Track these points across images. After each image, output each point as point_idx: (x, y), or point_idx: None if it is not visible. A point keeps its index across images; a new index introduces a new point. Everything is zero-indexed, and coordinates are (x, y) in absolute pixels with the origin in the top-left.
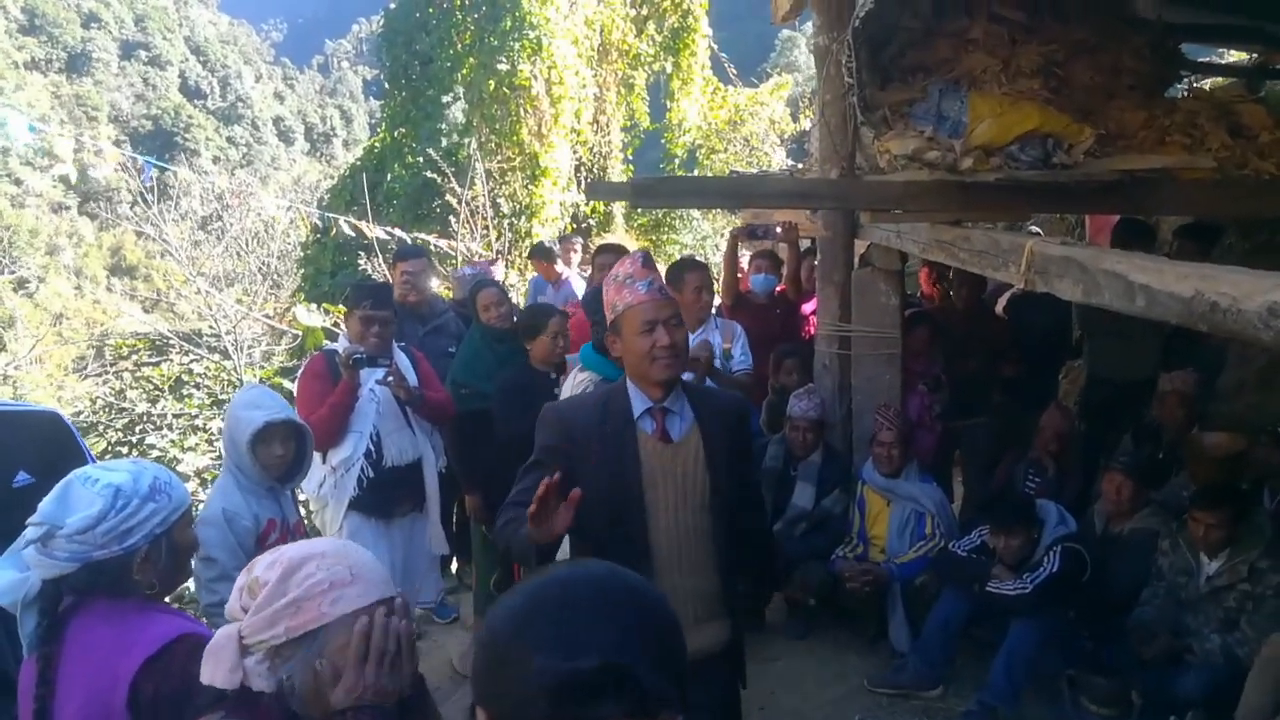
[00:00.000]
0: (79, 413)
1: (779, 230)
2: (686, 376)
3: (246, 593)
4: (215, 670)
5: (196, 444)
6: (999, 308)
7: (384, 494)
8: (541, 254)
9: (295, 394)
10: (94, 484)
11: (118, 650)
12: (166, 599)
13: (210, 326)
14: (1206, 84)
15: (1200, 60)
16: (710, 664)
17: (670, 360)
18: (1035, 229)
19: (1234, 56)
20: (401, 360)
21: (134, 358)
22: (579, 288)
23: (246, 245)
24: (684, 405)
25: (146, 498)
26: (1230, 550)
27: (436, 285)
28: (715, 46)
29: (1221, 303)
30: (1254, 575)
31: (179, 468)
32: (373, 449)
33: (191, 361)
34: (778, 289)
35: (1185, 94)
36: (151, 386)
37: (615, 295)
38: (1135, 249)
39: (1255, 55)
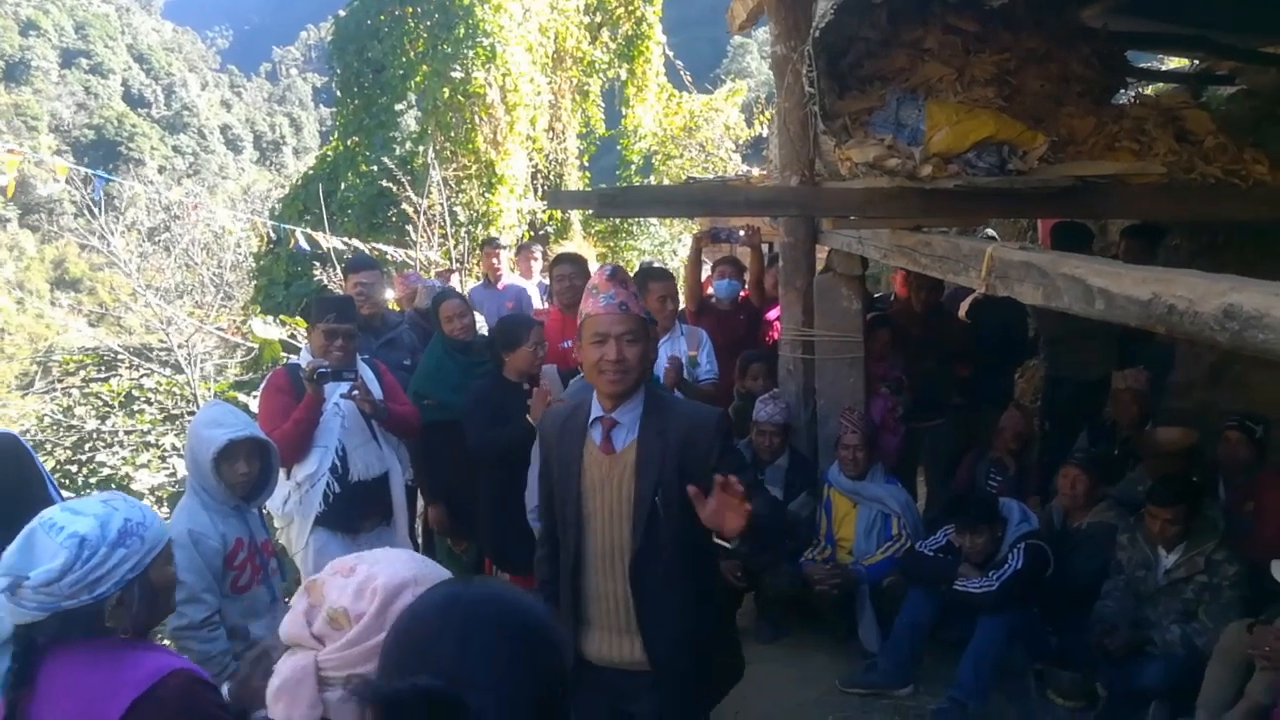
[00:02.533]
0: (26, 430)
1: (742, 234)
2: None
3: (326, 621)
4: (293, 707)
5: (149, 461)
6: (961, 312)
7: (351, 508)
8: (490, 243)
9: (257, 409)
10: (58, 533)
11: (103, 692)
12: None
13: (161, 340)
14: (1151, 90)
15: (1144, 66)
16: (647, 676)
17: (615, 375)
18: (991, 233)
19: (1175, 63)
20: (366, 373)
21: (82, 373)
22: (537, 297)
23: (196, 257)
24: (635, 417)
25: (115, 544)
26: (1186, 543)
27: (391, 298)
28: (670, 53)
29: (1179, 305)
30: (1210, 567)
31: (132, 486)
32: (338, 463)
33: (142, 376)
34: (741, 295)
35: (1132, 101)
36: (101, 403)
37: (583, 303)
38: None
39: (1197, 62)
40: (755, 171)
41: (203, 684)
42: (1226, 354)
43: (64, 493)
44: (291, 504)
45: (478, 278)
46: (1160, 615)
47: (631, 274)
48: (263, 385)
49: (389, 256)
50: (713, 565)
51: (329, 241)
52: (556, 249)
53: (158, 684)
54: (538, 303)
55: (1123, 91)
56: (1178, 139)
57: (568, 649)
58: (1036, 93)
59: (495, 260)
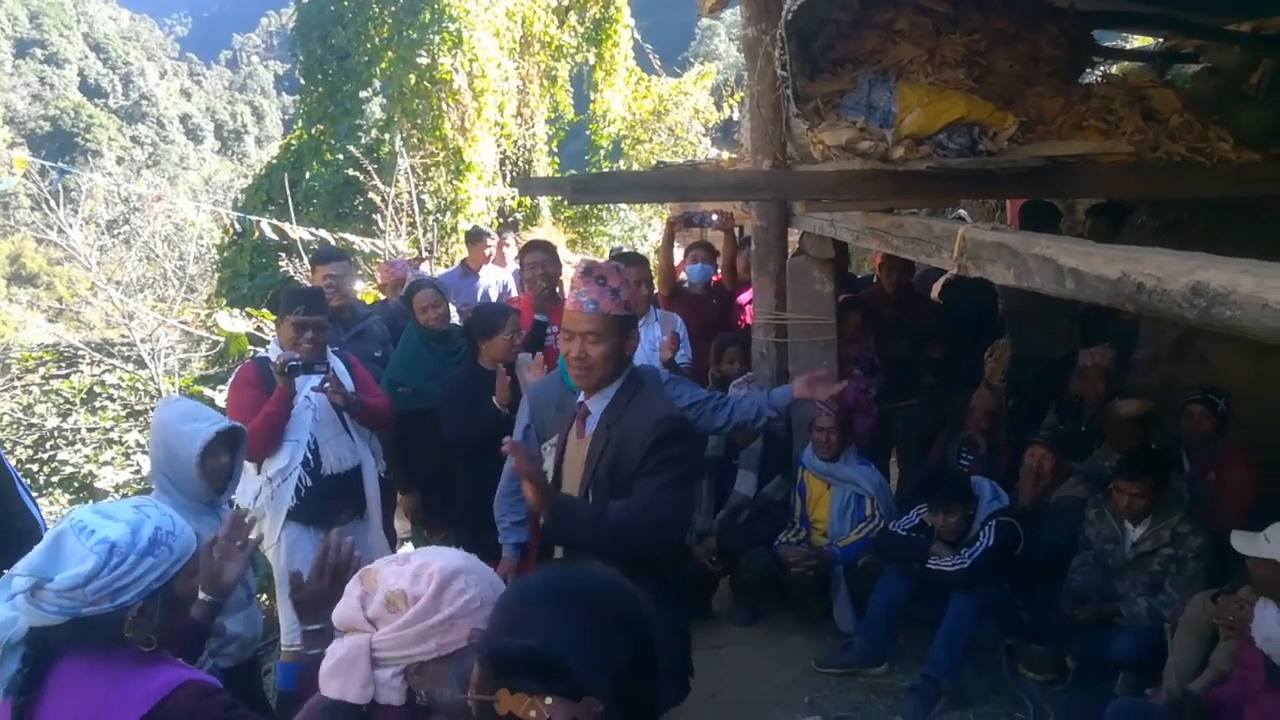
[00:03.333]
0: None
1: (714, 218)
2: None
3: (383, 605)
4: (347, 685)
5: (113, 458)
6: (934, 293)
7: (324, 502)
8: (473, 237)
9: (226, 404)
10: (89, 536)
11: (112, 704)
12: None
13: (123, 335)
14: (1117, 69)
15: (1110, 46)
16: None
17: (578, 371)
18: (963, 213)
19: (1140, 42)
20: (337, 365)
21: (42, 370)
22: (512, 284)
23: (158, 249)
24: (602, 407)
25: (145, 553)
26: (1152, 517)
27: (360, 289)
28: (637, 36)
29: (1147, 283)
30: (1175, 539)
31: (96, 484)
32: (310, 457)
33: (104, 372)
34: (714, 279)
35: (1099, 80)
36: (62, 400)
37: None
38: (1037, 229)
39: (1162, 40)
40: (725, 155)
41: (212, 693)
42: (1189, 330)
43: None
44: (263, 499)
45: (446, 265)
46: (1128, 588)
47: (602, 260)
48: (231, 379)
49: (355, 247)
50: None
51: (295, 232)
52: (526, 236)
53: (167, 697)
54: (514, 291)
55: (1090, 71)
56: (1144, 118)
57: (657, 628)
58: (1006, 73)
59: (487, 250)
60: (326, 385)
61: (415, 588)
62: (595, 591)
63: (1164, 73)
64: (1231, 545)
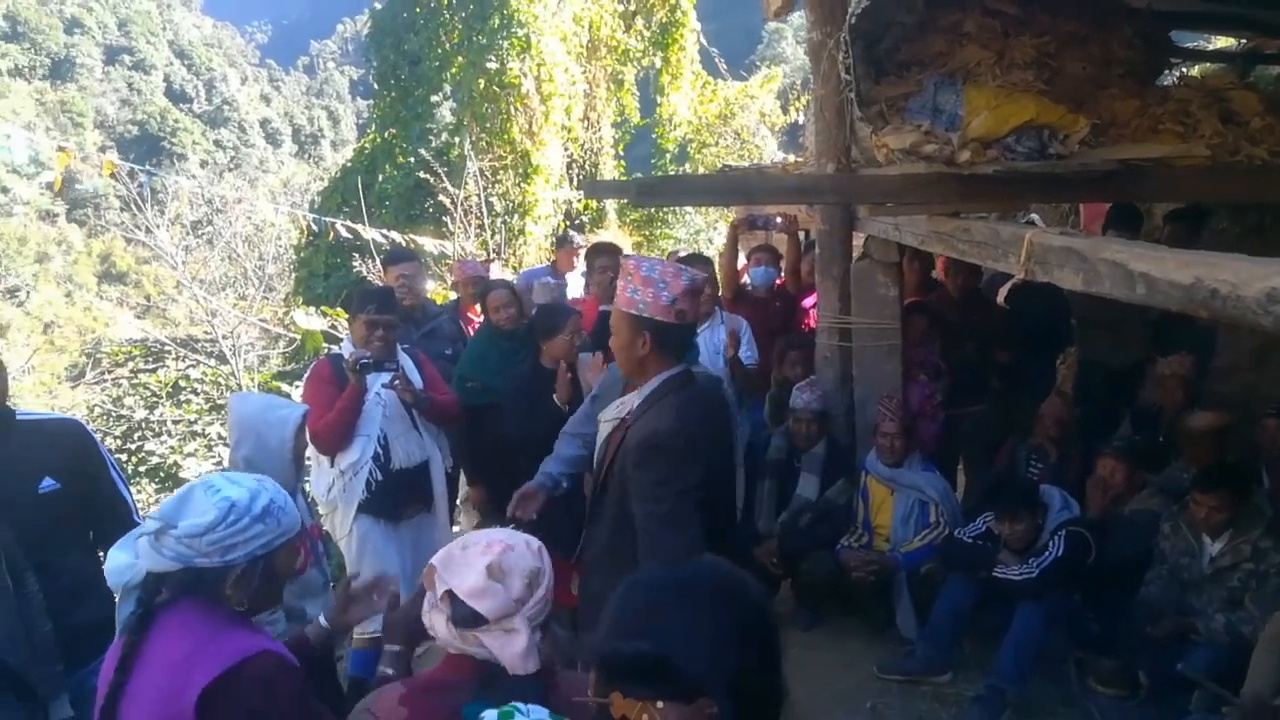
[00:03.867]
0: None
1: (778, 220)
2: None
3: (526, 584)
4: (528, 660)
5: (196, 449)
6: (1000, 298)
7: (392, 496)
8: (564, 242)
9: (302, 398)
10: (214, 493)
11: (196, 657)
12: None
13: (206, 331)
14: (1196, 71)
15: (1190, 47)
16: None
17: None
18: (1035, 217)
19: (1222, 43)
20: (406, 363)
21: (130, 364)
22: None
23: (239, 250)
24: (634, 404)
25: (257, 518)
26: (1232, 531)
27: (431, 288)
28: (704, 40)
29: (1221, 289)
30: (1257, 554)
31: (180, 474)
32: (380, 452)
33: (188, 367)
34: (777, 282)
35: (1176, 82)
36: (149, 393)
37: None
38: (1125, 233)
39: (1244, 41)
40: (791, 159)
41: (289, 669)
42: (1270, 338)
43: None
44: (335, 491)
45: (514, 267)
46: (1205, 603)
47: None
48: (307, 375)
49: (426, 248)
50: None
51: (368, 233)
52: (592, 238)
53: (244, 661)
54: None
55: (1168, 72)
56: (1223, 120)
57: (776, 627)
58: (1077, 75)
59: (575, 256)
60: (396, 383)
61: (539, 562)
62: (713, 588)
63: (1246, 74)
64: None
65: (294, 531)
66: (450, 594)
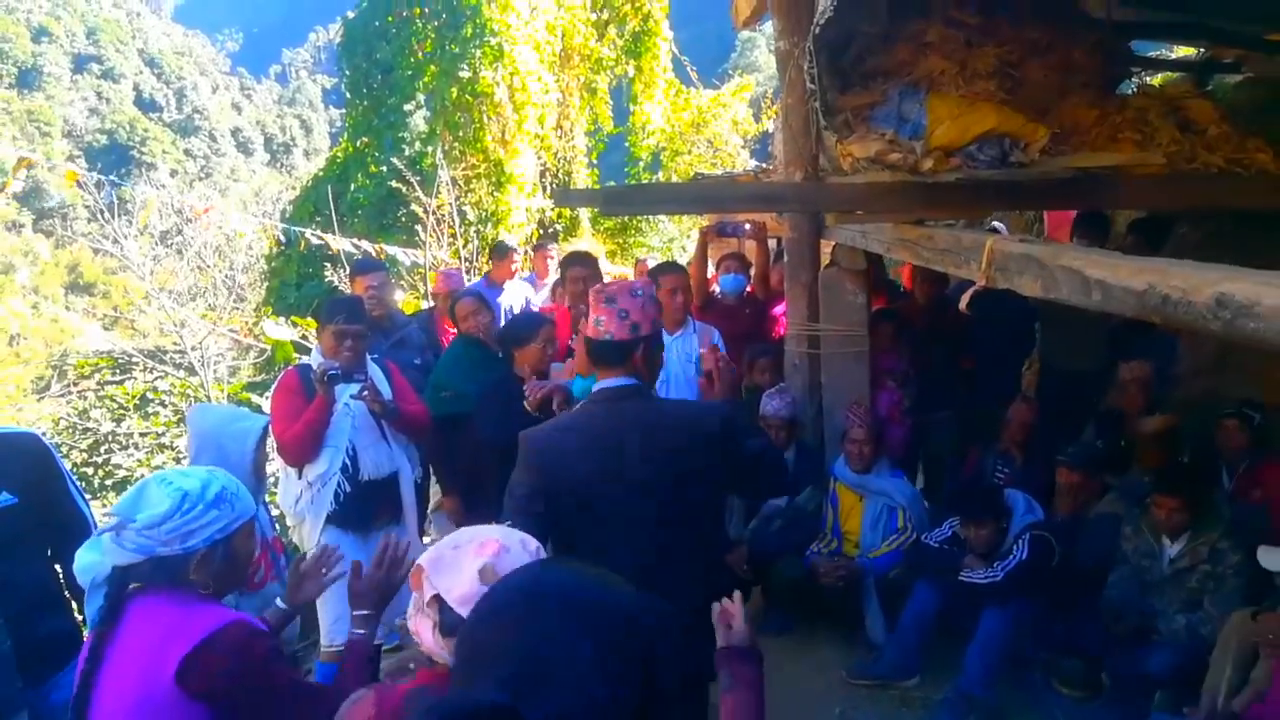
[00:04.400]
0: (42, 434)
1: (747, 227)
2: None
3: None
4: None
5: (164, 462)
6: (962, 305)
7: (361, 507)
8: (499, 253)
9: (269, 410)
10: (167, 485)
11: (169, 636)
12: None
13: (175, 342)
14: (1157, 79)
15: (1149, 56)
16: None
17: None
18: (998, 225)
19: (1182, 52)
20: (376, 374)
21: (97, 377)
22: (541, 294)
23: (209, 260)
24: None
25: (211, 505)
26: (1191, 532)
27: (400, 298)
28: (676, 49)
29: (1173, 295)
30: (1214, 556)
31: None
32: (349, 463)
33: (156, 379)
34: (746, 290)
35: (1135, 90)
36: (116, 405)
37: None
38: (1090, 239)
39: (1202, 50)
40: (764, 167)
41: (259, 634)
42: (1230, 342)
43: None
44: (304, 503)
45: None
46: (1165, 604)
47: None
48: (274, 386)
49: (398, 258)
50: None
51: (338, 243)
52: (566, 247)
53: (218, 631)
54: (536, 302)
55: (1128, 81)
56: (1181, 129)
57: (670, 636)
58: (1039, 84)
59: (513, 265)
60: (365, 393)
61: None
62: (585, 598)
63: (1205, 83)
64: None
65: (249, 515)
66: (439, 599)
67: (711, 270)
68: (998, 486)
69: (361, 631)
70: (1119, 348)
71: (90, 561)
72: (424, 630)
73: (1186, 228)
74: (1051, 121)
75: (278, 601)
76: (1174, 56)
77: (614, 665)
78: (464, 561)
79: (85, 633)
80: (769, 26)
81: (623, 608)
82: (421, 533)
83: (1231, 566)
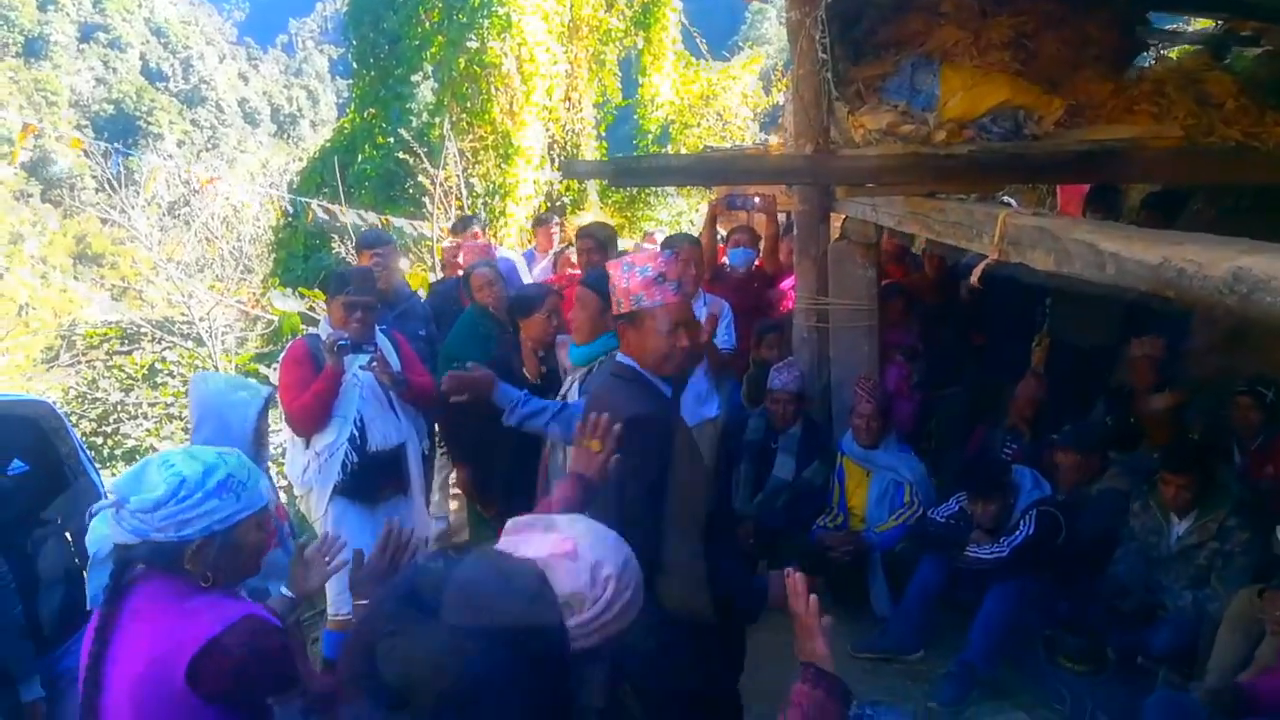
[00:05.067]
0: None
1: (757, 201)
2: None
3: (568, 606)
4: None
5: (173, 432)
6: (973, 279)
7: (369, 478)
8: (539, 222)
9: (277, 381)
10: (167, 468)
11: (178, 631)
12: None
13: (182, 314)
14: (1174, 52)
15: (1166, 29)
16: None
17: (685, 361)
18: (1009, 200)
19: (1200, 24)
20: (384, 345)
21: (105, 347)
22: (540, 267)
23: (216, 231)
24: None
25: (211, 494)
26: (1199, 510)
27: (405, 270)
28: (686, 20)
29: (1188, 269)
30: (1223, 533)
31: None
32: (357, 434)
33: (164, 349)
34: (755, 263)
35: (1152, 64)
36: (124, 376)
37: (641, 289)
38: (1102, 212)
39: (1220, 23)
40: (773, 140)
41: (271, 629)
42: (1244, 319)
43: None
44: (311, 473)
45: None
46: (1172, 581)
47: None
48: (282, 357)
49: (407, 229)
50: None
51: (344, 216)
52: (574, 219)
53: (229, 628)
54: (526, 275)
55: (1144, 54)
56: (1198, 102)
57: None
58: (1053, 57)
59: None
60: (374, 364)
61: (594, 590)
62: (480, 602)
63: (1222, 57)
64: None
65: (258, 506)
66: None
67: (721, 243)
68: (1005, 462)
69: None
70: (1131, 324)
71: (101, 534)
72: None
73: (1201, 203)
74: (1066, 94)
75: (283, 589)
76: (1191, 29)
77: (527, 681)
78: (528, 545)
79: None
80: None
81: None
82: (427, 504)
83: (1240, 544)
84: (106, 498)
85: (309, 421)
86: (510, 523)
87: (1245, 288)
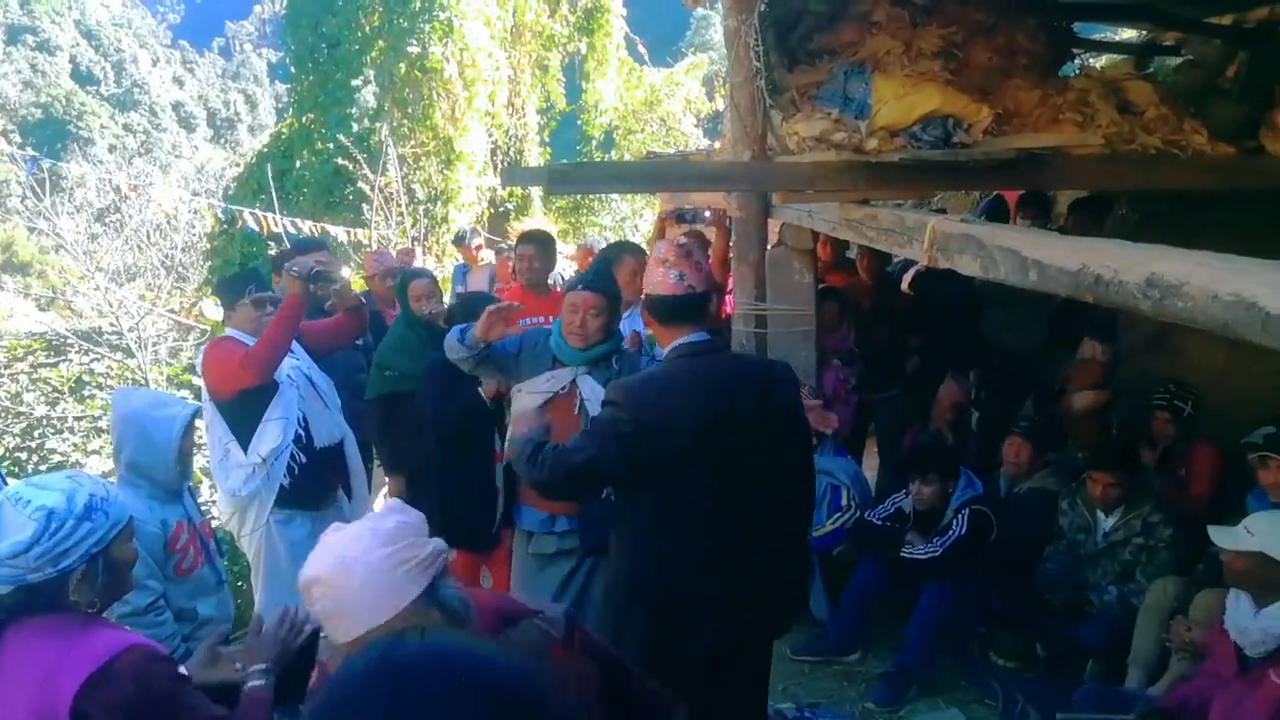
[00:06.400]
0: None
1: (707, 214)
2: None
3: None
4: None
5: (100, 446)
6: (904, 284)
7: (314, 478)
8: (459, 240)
9: (206, 370)
10: (25, 506)
11: (59, 667)
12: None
13: (111, 324)
14: (1100, 61)
15: (1092, 38)
16: None
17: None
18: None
19: (1124, 34)
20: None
21: (30, 359)
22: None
23: (148, 238)
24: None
25: (81, 518)
26: (1124, 506)
27: (348, 274)
28: (629, 26)
29: (1105, 275)
30: (1146, 529)
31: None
32: (302, 433)
33: (92, 361)
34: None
35: (1078, 72)
36: (50, 388)
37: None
38: (1034, 217)
39: (1144, 33)
40: (717, 145)
41: (159, 659)
42: (1166, 323)
43: (10, 481)
44: (255, 481)
45: (436, 256)
46: (1099, 576)
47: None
48: (204, 352)
49: (345, 235)
50: None
51: (278, 225)
52: (517, 225)
53: (113, 659)
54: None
55: (1071, 63)
56: (1120, 110)
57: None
58: (984, 65)
59: (476, 251)
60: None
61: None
62: (451, 675)
63: (1145, 66)
64: (1204, 535)
65: (124, 520)
66: None
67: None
68: (954, 449)
69: (259, 683)
70: (1059, 328)
71: None
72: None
73: (1126, 208)
74: (995, 102)
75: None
76: (1117, 39)
77: None
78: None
79: None
80: (720, 3)
81: (497, 673)
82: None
83: (1163, 540)
84: None
85: (275, 356)
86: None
87: (1159, 293)
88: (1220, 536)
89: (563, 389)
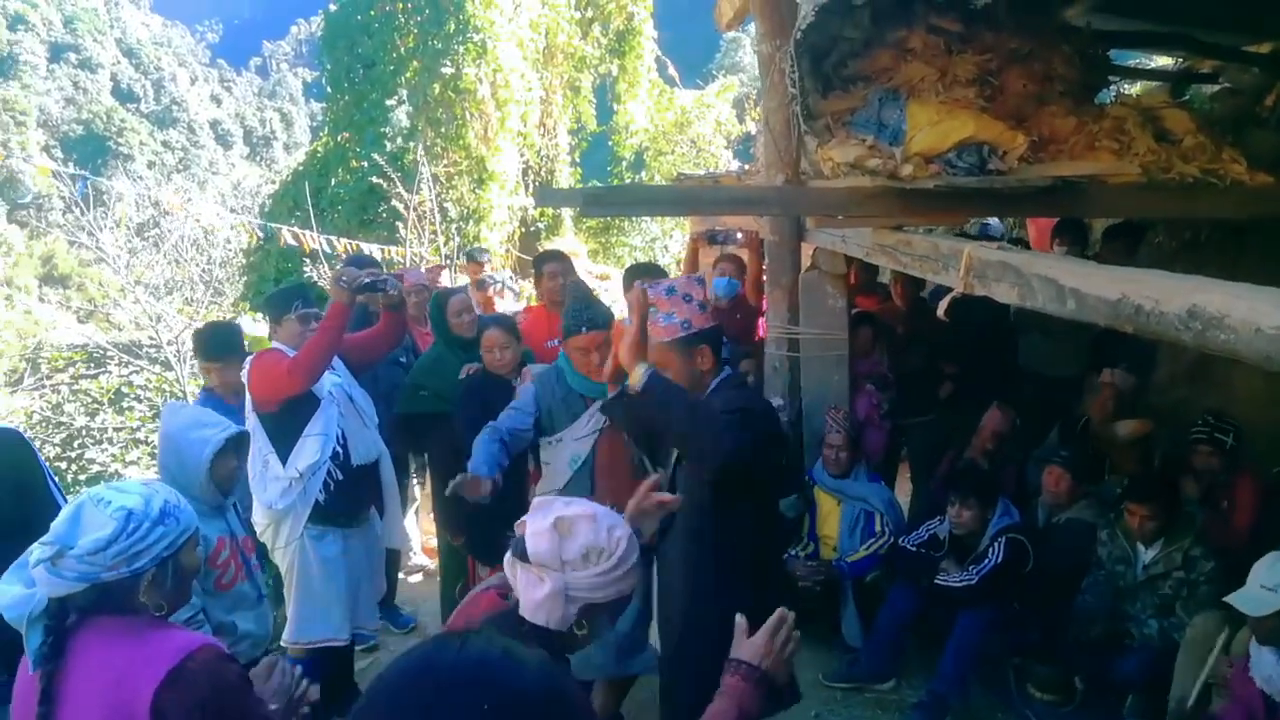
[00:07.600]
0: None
1: (739, 236)
2: None
3: (581, 555)
4: (551, 616)
5: (139, 458)
6: (940, 310)
7: (349, 495)
8: (472, 257)
9: (250, 383)
10: (106, 506)
11: (134, 666)
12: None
13: (150, 337)
14: (1135, 89)
15: (1128, 65)
16: None
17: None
18: (992, 221)
19: (1159, 62)
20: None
21: (71, 370)
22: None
23: (186, 253)
24: None
25: (156, 521)
26: (1164, 539)
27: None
28: (660, 48)
29: (1145, 305)
30: (1188, 563)
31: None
32: (339, 450)
33: (131, 373)
34: (739, 293)
35: (1113, 100)
36: (90, 400)
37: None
38: (1069, 244)
39: (1180, 60)
40: (748, 168)
41: (228, 658)
42: (1206, 353)
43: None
44: (293, 495)
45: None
46: (1139, 610)
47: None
48: (249, 366)
49: (373, 256)
50: None
51: (313, 241)
52: (547, 244)
53: (187, 658)
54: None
55: (1106, 91)
56: (1157, 138)
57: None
58: (1019, 93)
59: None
60: (393, 291)
61: (609, 545)
62: (492, 682)
63: (1181, 93)
64: (1246, 569)
65: (193, 527)
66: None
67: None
68: (991, 473)
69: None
70: (1098, 355)
71: (16, 594)
72: (555, 563)
73: (1162, 235)
74: (1030, 130)
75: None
76: (1152, 66)
77: None
78: (558, 509)
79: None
80: (755, 27)
81: (534, 680)
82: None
83: (1204, 574)
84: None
85: (317, 365)
86: (535, 500)
87: (1200, 324)
88: (1246, 604)
89: (605, 423)
